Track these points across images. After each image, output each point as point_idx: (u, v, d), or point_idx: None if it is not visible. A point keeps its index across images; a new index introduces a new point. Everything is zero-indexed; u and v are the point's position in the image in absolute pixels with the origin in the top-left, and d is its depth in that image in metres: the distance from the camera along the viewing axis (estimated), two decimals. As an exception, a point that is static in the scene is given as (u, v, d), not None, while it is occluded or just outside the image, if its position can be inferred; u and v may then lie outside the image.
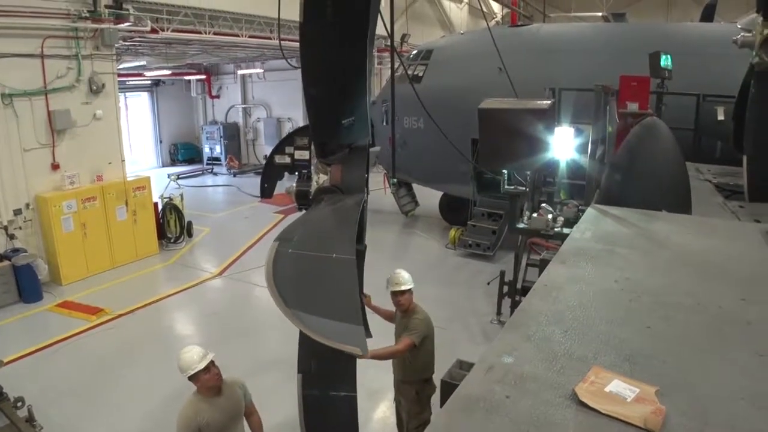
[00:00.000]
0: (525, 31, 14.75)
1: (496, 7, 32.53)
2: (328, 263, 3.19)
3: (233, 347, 8.93)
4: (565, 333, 2.43)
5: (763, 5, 6.35)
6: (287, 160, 4.77)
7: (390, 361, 6.07)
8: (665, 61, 9.42)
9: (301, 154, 4.62)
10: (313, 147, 4.01)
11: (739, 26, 7.61)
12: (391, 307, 6.18)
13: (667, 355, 2.23)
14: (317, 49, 3.07)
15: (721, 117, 9.34)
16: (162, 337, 9.73)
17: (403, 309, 5.90)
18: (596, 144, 7.97)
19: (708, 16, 14.60)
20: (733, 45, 6.94)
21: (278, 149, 4.88)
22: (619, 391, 1.89)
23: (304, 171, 4.46)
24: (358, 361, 3.85)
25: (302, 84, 3.25)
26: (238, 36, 16.03)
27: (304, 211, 4.39)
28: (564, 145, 7.89)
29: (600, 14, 28.07)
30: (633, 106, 8.17)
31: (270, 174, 4.94)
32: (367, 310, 5.70)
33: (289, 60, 10.73)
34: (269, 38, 16.90)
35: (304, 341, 3.64)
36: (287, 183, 4.86)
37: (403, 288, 5.83)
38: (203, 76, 27.72)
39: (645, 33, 13.27)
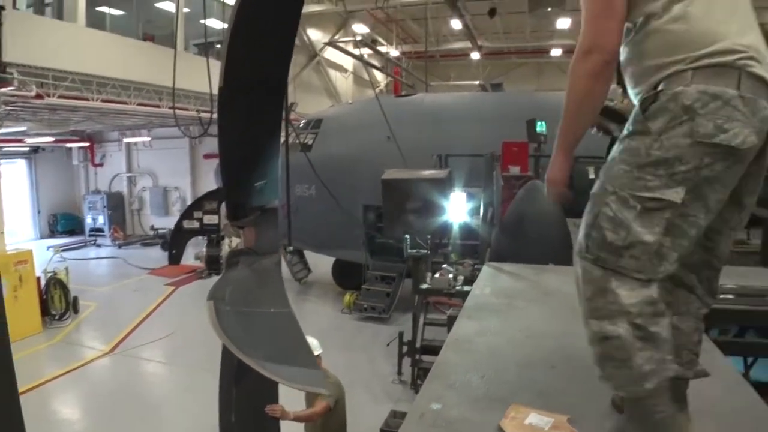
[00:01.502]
0: (411, 100, 15.52)
1: (380, 76, 33.79)
2: (269, 317, 3.34)
3: (132, 429, 8.59)
4: (482, 378, 2.71)
5: (622, 79, 7.16)
6: (196, 225, 4.81)
7: (300, 427, 6.11)
8: (540, 126, 10.23)
9: (210, 219, 4.68)
10: (223, 210, 4.12)
11: (602, 96, 8.43)
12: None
13: (572, 388, 2.56)
14: (234, 113, 3.23)
15: (592, 176, 10.19)
16: (50, 424, 9.00)
17: None
18: (487, 207, 8.52)
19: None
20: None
21: (187, 214, 4.91)
22: (537, 422, 2.17)
23: (213, 236, 4.53)
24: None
25: (218, 147, 3.35)
26: (126, 103, 15.79)
27: (208, 278, 4.46)
28: (457, 209, 8.42)
29: (477, 83, 29.79)
30: (515, 170, 8.84)
31: (178, 240, 4.96)
32: None
33: (181, 127, 10.77)
34: (158, 106, 16.77)
35: (226, 406, 3.71)
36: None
37: (314, 353, 5.93)
38: (86, 144, 26.84)
39: (521, 101, 14.30)
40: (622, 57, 2.13)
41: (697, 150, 1.85)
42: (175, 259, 5.13)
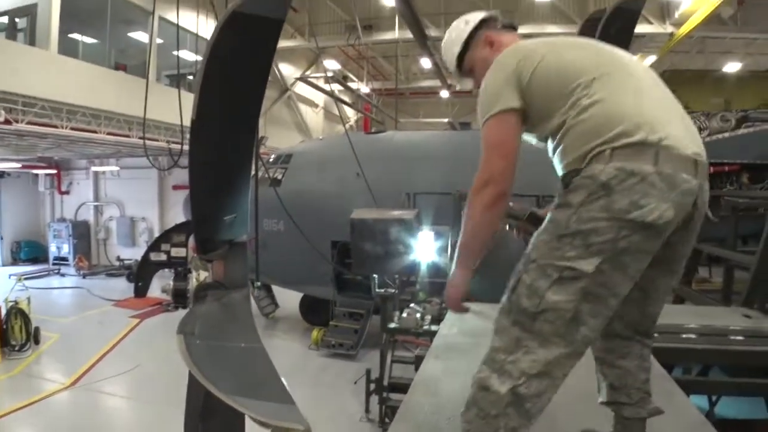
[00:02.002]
0: (381, 137, 15.65)
1: (350, 112, 34.04)
2: (240, 351, 3.32)
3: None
4: (448, 420, 2.72)
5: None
6: (163, 257, 4.77)
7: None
8: (507, 166, 10.34)
9: (178, 252, 4.64)
10: (191, 244, 4.08)
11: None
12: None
13: (538, 429, 2.58)
14: (206, 146, 3.23)
15: None
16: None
17: None
18: (455, 245, 8.59)
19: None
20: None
21: (154, 246, 4.89)
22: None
23: (180, 269, 4.49)
24: None
25: (189, 180, 3.33)
26: (96, 132, 15.68)
27: (174, 310, 4.39)
28: (425, 248, 8.47)
29: (446, 120, 30.19)
30: (482, 209, 8.91)
31: (145, 272, 4.89)
32: None
33: (150, 158, 10.71)
34: (128, 136, 16.68)
35: None
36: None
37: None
38: (53, 171, 26.41)
39: (489, 140, 14.50)
40: (554, 161, 2.29)
41: (613, 224, 1.96)
42: (141, 291, 5.08)
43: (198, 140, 3.19)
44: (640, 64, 2.33)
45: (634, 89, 2.12)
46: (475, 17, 2.65)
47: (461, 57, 2.67)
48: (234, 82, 3.16)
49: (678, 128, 2.09)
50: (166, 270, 4.94)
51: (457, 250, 2.47)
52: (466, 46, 2.64)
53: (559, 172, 2.25)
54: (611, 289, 2.04)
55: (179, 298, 4.41)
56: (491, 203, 2.22)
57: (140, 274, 5.13)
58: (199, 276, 4.12)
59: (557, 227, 2.06)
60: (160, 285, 5.35)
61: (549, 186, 2.75)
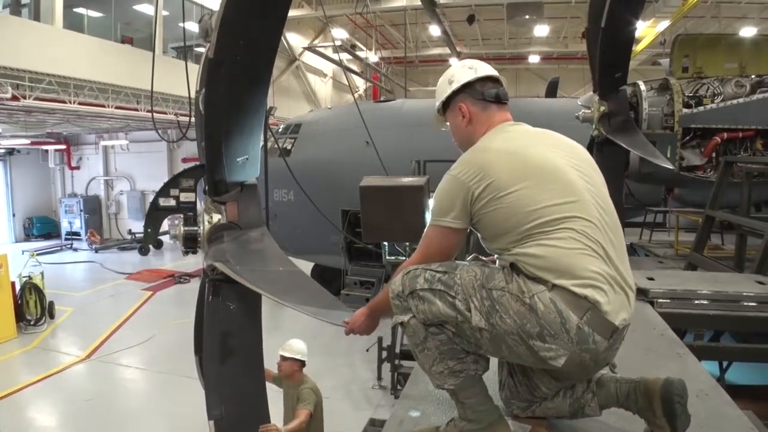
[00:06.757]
0: (390, 106, 15.55)
1: (359, 81, 33.85)
2: (282, 275, 3.36)
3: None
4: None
5: (598, 87, 7.29)
6: (172, 202, 4.70)
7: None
8: (519, 133, 10.25)
9: (187, 197, 4.58)
10: (202, 187, 4.06)
11: (579, 103, 8.47)
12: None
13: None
14: (223, 87, 3.21)
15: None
16: None
17: (283, 375, 6.02)
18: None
19: (552, 91, 16.06)
20: (576, 118, 7.84)
21: (163, 192, 4.83)
22: (516, 429, 2.22)
23: (189, 214, 4.45)
24: None
25: (204, 123, 3.32)
26: (104, 106, 15.68)
27: (186, 283, 4.38)
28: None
29: (456, 89, 29.89)
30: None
31: (154, 219, 4.85)
32: None
33: (159, 131, 10.66)
34: (136, 109, 16.68)
35: (212, 388, 3.65)
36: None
37: (285, 354, 5.99)
38: (62, 146, 26.54)
39: (500, 108, 14.36)
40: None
41: (513, 329, 2.07)
42: (149, 238, 5.00)
43: (214, 81, 3.16)
44: (603, 193, 2.33)
45: (585, 240, 2.11)
46: (461, 78, 2.54)
47: (445, 107, 2.63)
48: (253, 23, 3.13)
49: (620, 294, 2.12)
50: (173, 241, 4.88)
51: (375, 302, 2.62)
52: (447, 103, 2.59)
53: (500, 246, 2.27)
54: (476, 344, 2.21)
55: (190, 242, 4.31)
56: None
57: (149, 221, 4.98)
58: (211, 218, 4.06)
59: (488, 279, 2.16)
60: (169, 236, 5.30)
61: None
